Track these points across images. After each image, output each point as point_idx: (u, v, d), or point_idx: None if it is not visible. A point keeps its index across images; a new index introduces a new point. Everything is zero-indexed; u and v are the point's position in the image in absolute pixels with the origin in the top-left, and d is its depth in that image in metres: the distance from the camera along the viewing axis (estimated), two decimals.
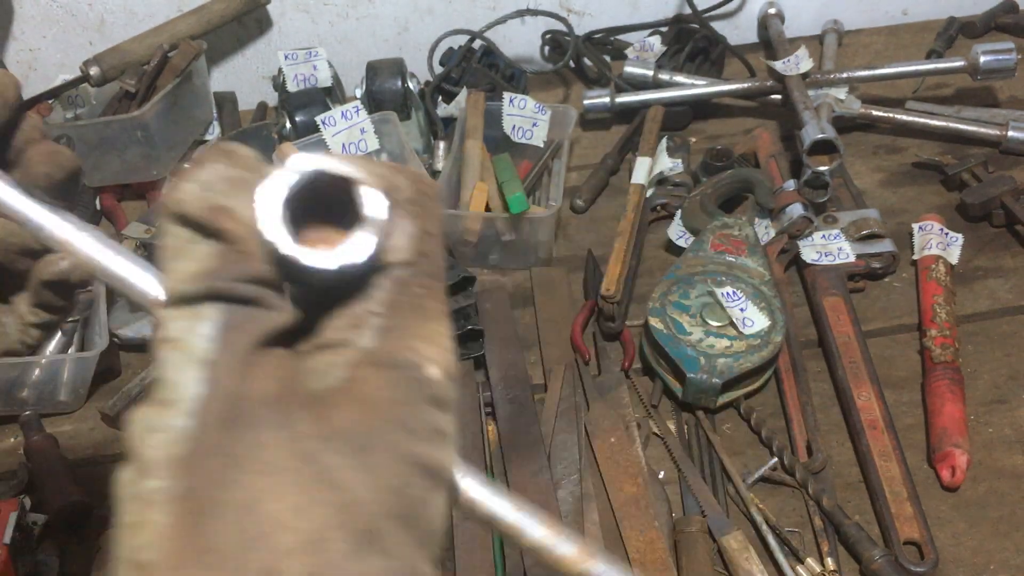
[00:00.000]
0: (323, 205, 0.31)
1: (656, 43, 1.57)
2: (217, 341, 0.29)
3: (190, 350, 0.29)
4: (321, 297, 0.32)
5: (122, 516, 0.27)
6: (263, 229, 0.30)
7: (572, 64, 1.61)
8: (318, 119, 1.27)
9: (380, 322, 0.30)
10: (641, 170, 1.31)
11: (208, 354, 0.29)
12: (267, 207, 0.30)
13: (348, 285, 0.31)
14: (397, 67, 1.39)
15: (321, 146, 1.26)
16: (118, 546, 0.27)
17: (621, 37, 1.64)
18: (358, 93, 1.41)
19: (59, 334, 1.12)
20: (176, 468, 0.27)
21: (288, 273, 0.31)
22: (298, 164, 0.30)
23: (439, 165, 1.32)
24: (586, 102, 1.46)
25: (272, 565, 0.25)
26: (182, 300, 0.30)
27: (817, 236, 1.18)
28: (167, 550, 0.26)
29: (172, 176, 0.32)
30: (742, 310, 1.04)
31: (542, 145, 1.33)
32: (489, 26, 1.46)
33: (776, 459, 0.97)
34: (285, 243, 0.30)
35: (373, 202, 0.30)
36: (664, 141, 1.36)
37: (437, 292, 0.32)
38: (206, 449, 0.27)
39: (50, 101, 1.33)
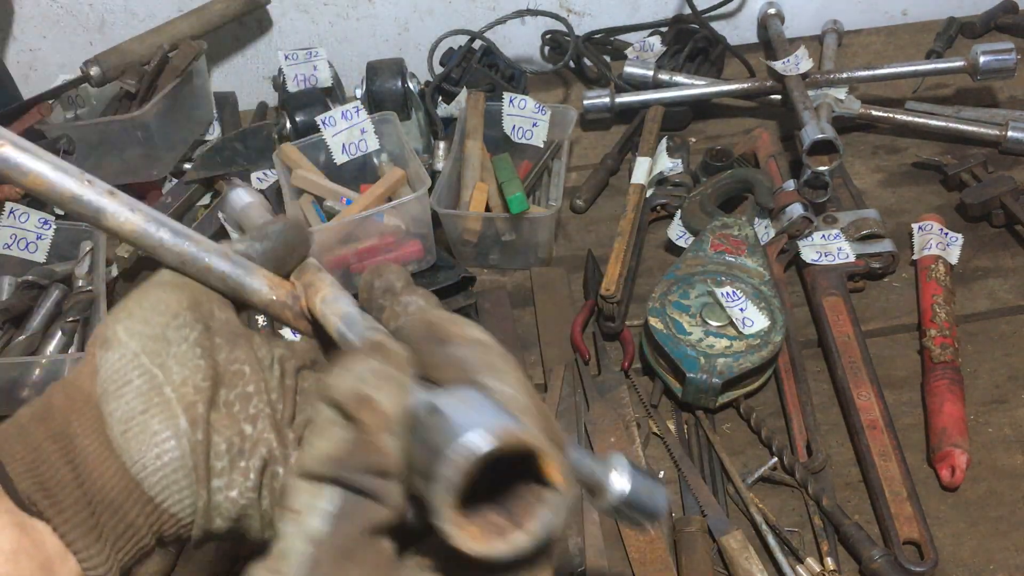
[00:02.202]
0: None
1: (656, 43, 1.57)
2: (328, 525, 0.35)
3: (305, 526, 0.35)
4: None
5: None
6: (439, 520, 0.34)
7: (572, 64, 1.61)
8: (318, 119, 1.27)
9: None
10: (641, 170, 1.31)
11: (318, 535, 0.35)
12: (443, 495, 0.34)
13: None
14: (397, 67, 1.39)
15: (320, 146, 1.26)
16: None
17: (621, 37, 1.64)
18: (358, 93, 1.41)
19: (59, 333, 1.12)
20: None
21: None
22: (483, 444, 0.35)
23: (439, 165, 1.32)
24: (586, 102, 1.46)
25: None
26: (311, 476, 0.36)
27: (817, 236, 1.19)
28: None
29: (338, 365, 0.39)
30: (742, 310, 1.04)
31: (542, 145, 1.33)
32: (489, 26, 1.46)
33: (776, 459, 0.97)
34: (451, 532, 0.34)
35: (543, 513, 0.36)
36: (664, 141, 1.36)
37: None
38: None
39: (50, 101, 1.33)
